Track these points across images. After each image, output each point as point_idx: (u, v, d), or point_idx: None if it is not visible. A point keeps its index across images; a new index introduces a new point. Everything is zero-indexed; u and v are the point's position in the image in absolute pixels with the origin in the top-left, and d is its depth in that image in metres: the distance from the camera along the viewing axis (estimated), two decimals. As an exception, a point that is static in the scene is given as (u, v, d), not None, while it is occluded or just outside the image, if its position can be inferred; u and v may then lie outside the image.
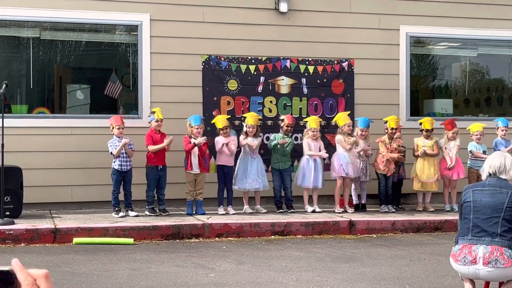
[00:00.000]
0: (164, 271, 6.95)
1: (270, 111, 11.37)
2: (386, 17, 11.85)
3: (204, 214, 9.93)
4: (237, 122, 10.98)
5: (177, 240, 8.86)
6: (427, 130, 11.06)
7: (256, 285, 6.39)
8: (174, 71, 10.91)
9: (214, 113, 10.94)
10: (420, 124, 11.18)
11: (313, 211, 10.39)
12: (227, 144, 10.17)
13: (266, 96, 11.33)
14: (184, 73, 10.95)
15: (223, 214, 10.04)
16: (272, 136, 10.80)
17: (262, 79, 11.30)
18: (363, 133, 10.76)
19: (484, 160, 5.36)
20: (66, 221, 9.14)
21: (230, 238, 9.07)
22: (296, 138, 11.18)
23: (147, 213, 9.91)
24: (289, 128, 10.68)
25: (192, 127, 10.10)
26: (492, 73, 13.41)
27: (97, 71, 11.94)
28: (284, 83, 11.43)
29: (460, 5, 12.16)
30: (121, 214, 9.63)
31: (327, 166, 10.89)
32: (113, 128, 9.81)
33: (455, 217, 5.39)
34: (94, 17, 10.63)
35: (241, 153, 10.50)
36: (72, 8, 10.43)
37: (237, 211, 10.28)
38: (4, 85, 8.95)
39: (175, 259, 7.62)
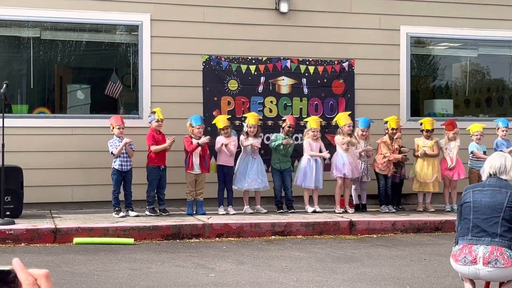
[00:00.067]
0: (164, 271, 6.95)
1: (271, 111, 11.37)
2: (386, 17, 11.85)
3: (204, 214, 9.93)
4: (237, 122, 10.98)
5: (178, 240, 8.86)
6: (427, 131, 11.06)
7: (256, 285, 6.39)
8: (174, 71, 10.91)
9: (214, 113, 10.94)
10: (421, 124, 11.18)
11: (314, 211, 10.39)
12: (226, 145, 10.17)
13: (266, 96, 11.33)
14: (184, 73, 10.95)
15: (223, 214, 10.04)
16: (273, 136, 10.79)
17: (262, 79, 11.31)
18: (364, 133, 10.76)
19: (484, 161, 5.35)
20: (67, 221, 9.14)
21: (230, 238, 9.07)
22: (296, 138, 11.18)
23: (147, 213, 9.91)
24: (291, 128, 10.68)
25: (193, 127, 10.10)
26: (492, 73, 13.41)
27: (97, 71, 11.94)
28: (284, 83, 11.43)
29: (461, 6, 12.16)
30: (121, 214, 9.63)
31: (327, 166, 10.89)
32: (113, 128, 9.81)
33: (455, 217, 5.38)
34: (94, 17, 10.63)
35: (242, 153, 10.49)
36: (72, 8, 10.44)
37: (237, 211, 10.28)
38: (4, 85, 8.95)
39: (176, 259, 7.62)
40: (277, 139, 10.62)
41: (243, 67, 11.21)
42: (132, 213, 9.76)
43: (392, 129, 10.82)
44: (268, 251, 8.22)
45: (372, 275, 6.84)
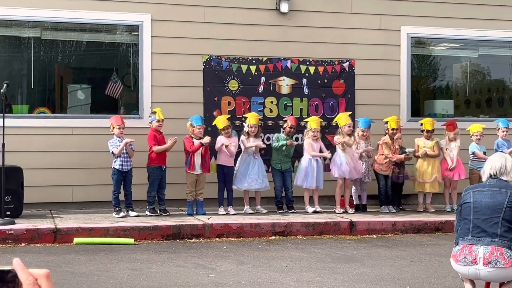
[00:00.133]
0: (164, 271, 6.95)
1: (271, 111, 11.37)
2: (387, 18, 11.85)
3: (204, 214, 9.93)
4: (237, 123, 10.98)
5: (178, 240, 8.86)
6: (427, 131, 11.06)
7: (256, 285, 6.39)
8: (174, 71, 10.92)
9: (215, 113, 10.95)
10: (421, 124, 11.19)
11: (315, 212, 10.39)
12: (226, 146, 10.17)
13: (267, 96, 11.34)
14: (184, 73, 10.95)
15: (223, 215, 10.04)
16: (274, 136, 10.77)
17: (263, 79, 11.31)
18: (364, 133, 10.76)
19: (485, 161, 5.35)
20: (67, 221, 9.14)
21: (230, 239, 9.07)
22: (296, 139, 11.18)
23: (147, 213, 9.92)
24: (292, 129, 10.69)
25: (193, 127, 10.11)
26: (493, 73, 13.41)
27: (98, 71, 11.94)
28: (285, 84, 11.43)
29: (461, 6, 12.16)
30: (121, 214, 9.63)
31: (327, 167, 10.89)
32: (113, 128, 9.81)
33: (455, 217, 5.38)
34: (95, 17, 10.63)
35: (243, 153, 10.47)
36: (73, 8, 10.44)
37: (237, 211, 10.28)
38: (5, 85, 8.96)
39: (176, 259, 7.62)
40: (279, 139, 10.61)
41: (244, 67, 11.21)
42: (132, 213, 9.76)
43: (393, 129, 10.82)
44: (268, 251, 8.22)
45: (372, 276, 6.84)
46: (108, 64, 11.63)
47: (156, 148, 9.91)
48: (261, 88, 11.32)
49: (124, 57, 11.51)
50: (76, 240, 8.47)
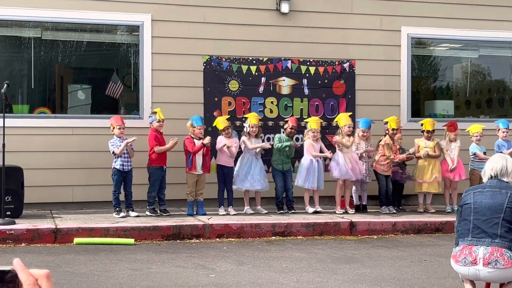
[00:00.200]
0: (164, 271, 6.95)
1: (271, 111, 11.37)
2: (387, 18, 11.85)
3: (205, 214, 9.94)
4: (238, 123, 10.98)
5: (178, 241, 8.86)
6: (428, 131, 11.07)
7: (256, 285, 6.39)
8: (175, 71, 10.92)
9: (215, 113, 10.95)
10: (421, 125, 11.19)
11: (315, 212, 10.39)
12: (228, 147, 10.17)
13: (267, 96, 11.34)
14: (185, 73, 10.95)
15: (223, 215, 10.04)
16: (276, 137, 10.75)
17: (263, 79, 11.31)
18: (365, 134, 10.76)
19: (486, 162, 5.35)
20: (67, 221, 9.14)
21: (230, 239, 9.07)
22: (297, 139, 11.18)
23: (148, 213, 9.92)
24: (293, 130, 10.69)
25: (194, 127, 10.11)
26: (493, 74, 13.41)
27: (98, 71, 11.94)
28: (285, 84, 11.43)
29: (462, 7, 12.16)
30: (122, 214, 9.63)
31: (326, 167, 10.88)
32: (113, 128, 9.82)
33: (455, 218, 5.38)
34: (95, 17, 10.63)
35: (244, 154, 10.45)
36: (73, 8, 10.44)
37: (237, 211, 10.28)
38: (5, 85, 8.96)
39: (176, 259, 7.62)
40: (281, 140, 10.60)
41: (244, 68, 11.22)
42: (132, 214, 9.76)
43: (393, 129, 10.82)
44: (269, 251, 8.22)
45: (372, 276, 6.84)
46: (109, 64, 11.63)
47: (157, 148, 9.92)
48: (261, 89, 11.32)
49: (124, 57, 11.52)
50: (76, 240, 8.47)
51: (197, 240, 8.94)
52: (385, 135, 10.92)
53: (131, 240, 8.57)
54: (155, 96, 10.81)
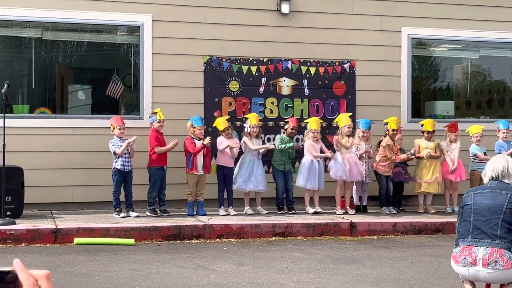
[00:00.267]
0: (164, 271, 6.95)
1: (272, 112, 11.37)
2: (387, 19, 11.85)
3: (205, 215, 9.94)
4: (238, 123, 10.98)
5: (178, 241, 8.86)
6: (428, 132, 11.07)
7: (256, 286, 6.39)
8: (175, 71, 10.92)
9: (215, 114, 10.95)
10: (422, 125, 11.19)
11: (315, 212, 10.39)
12: (231, 148, 10.17)
13: (267, 97, 11.34)
14: (185, 74, 10.96)
15: (224, 215, 10.04)
16: (278, 138, 10.73)
17: (263, 80, 11.31)
18: (365, 134, 10.76)
19: (486, 163, 5.35)
20: (67, 221, 9.15)
21: (231, 239, 9.07)
22: (297, 139, 11.18)
23: (148, 213, 9.92)
24: (294, 131, 10.69)
25: (194, 128, 10.11)
26: (493, 75, 13.41)
27: (98, 72, 11.95)
28: (285, 84, 11.43)
29: (462, 7, 12.16)
30: (122, 214, 9.63)
31: (326, 167, 10.89)
32: (113, 128, 9.82)
33: (456, 219, 5.39)
34: (96, 18, 10.64)
35: (246, 154, 10.44)
36: (74, 9, 10.45)
37: (237, 212, 10.28)
38: (6, 85, 8.97)
39: (176, 260, 7.62)
40: (283, 141, 10.60)
41: (244, 68, 11.22)
42: (132, 214, 9.76)
43: (393, 130, 10.82)
44: (269, 252, 8.22)
45: (372, 277, 6.84)
46: (109, 65, 11.64)
47: (158, 149, 9.92)
48: (261, 89, 11.32)
49: (125, 58, 11.52)
50: (77, 240, 8.47)
51: (197, 241, 8.94)
52: (385, 136, 10.91)
53: (131, 241, 8.57)
54: (155, 96, 10.81)
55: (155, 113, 10.13)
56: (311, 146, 10.58)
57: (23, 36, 10.78)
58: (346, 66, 11.70)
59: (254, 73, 11.26)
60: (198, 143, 10.03)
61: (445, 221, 10.06)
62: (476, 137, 11.07)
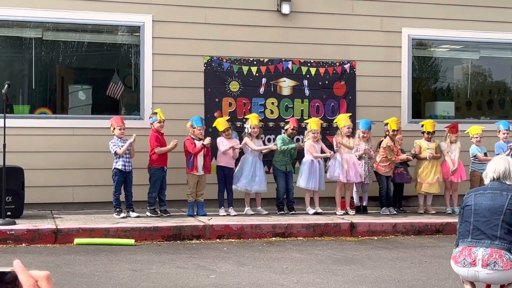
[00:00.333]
0: (164, 272, 6.95)
1: (272, 112, 11.38)
2: (388, 19, 11.85)
3: (205, 215, 9.94)
4: (238, 124, 10.99)
5: (178, 241, 8.87)
6: (428, 133, 11.06)
7: (256, 286, 6.40)
8: (176, 72, 10.92)
9: (216, 114, 10.96)
10: (422, 126, 11.19)
11: (316, 213, 10.39)
12: (235, 149, 10.18)
13: (268, 97, 11.34)
14: (186, 74, 10.96)
15: (224, 216, 10.04)
16: (279, 138, 10.72)
17: (264, 80, 11.31)
18: (365, 135, 10.76)
19: (487, 163, 5.35)
20: (67, 222, 9.15)
21: (231, 240, 9.07)
22: (297, 140, 11.18)
23: (148, 214, 9.92)
24: (294, 131, 10.69)
25: (194, 128, 10.11)
26: (494, 75, 13.41)
27: (99, 72, 11.95)
28: (286, 85, 11.43)
29: (463, 8, 12.16)
30: (122, 215, 9.63)
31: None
32: (114, 128, 9.82)
33: (456, 219, 5.39)
34: (96, 18, 10.64)
35: (247, 155, 10.43)
36: (74, 9, 10.45)
37: (238, 212, 10.28)
38: (6, 85, 8.97)
39: (176, 260, 7.62)
40: (285, 141, 10.59)
41: (245, 69, 11.22)
42: (133, 214, 9.77)
43: (393, 130, 10.82)
44: (269, 252, 8.22)
45: (372, 277, 6.84)
46: (109, 65, 11.64)
47: (158, 149, 9.92)
48: (262, 89, 11.32)
49: (125, 58, 11.52)
50: (77, 240, 8.47)
51: (198, 241, 8.94)
52: (385, 137, 10.91)
53: (132, 241, 8.58)
54: (155, 96, 10.82)
55: (156, 113, 10.13)
56: (311, 147, 10.58)
57: (24, 36, 10.79)
58: (347, 66, 11.70)
59: (254, 73, 11.26)
60: (198, 144, 10.03)
61: (445, 221, 10.06)
62: (476, 137, 11.07)
